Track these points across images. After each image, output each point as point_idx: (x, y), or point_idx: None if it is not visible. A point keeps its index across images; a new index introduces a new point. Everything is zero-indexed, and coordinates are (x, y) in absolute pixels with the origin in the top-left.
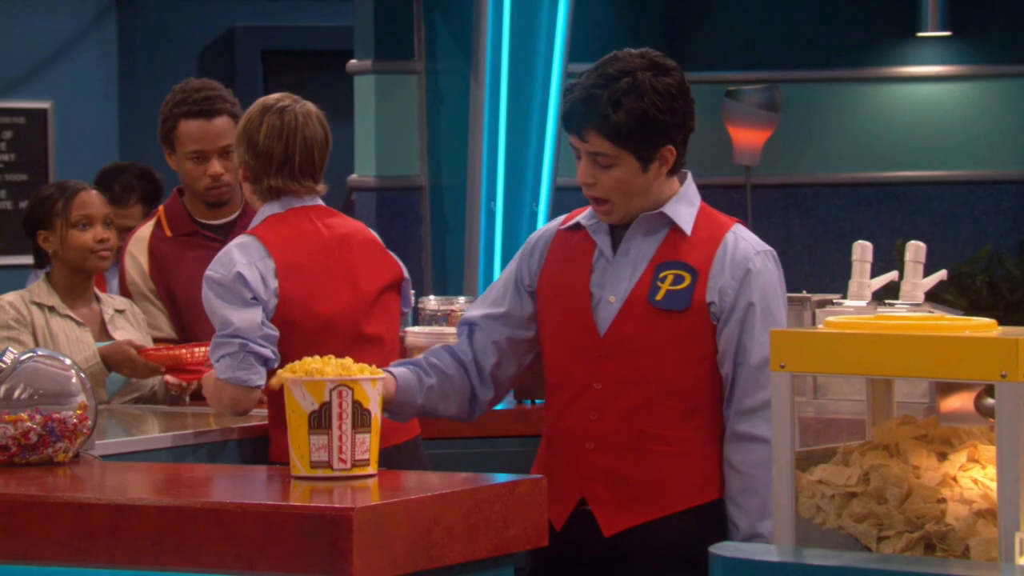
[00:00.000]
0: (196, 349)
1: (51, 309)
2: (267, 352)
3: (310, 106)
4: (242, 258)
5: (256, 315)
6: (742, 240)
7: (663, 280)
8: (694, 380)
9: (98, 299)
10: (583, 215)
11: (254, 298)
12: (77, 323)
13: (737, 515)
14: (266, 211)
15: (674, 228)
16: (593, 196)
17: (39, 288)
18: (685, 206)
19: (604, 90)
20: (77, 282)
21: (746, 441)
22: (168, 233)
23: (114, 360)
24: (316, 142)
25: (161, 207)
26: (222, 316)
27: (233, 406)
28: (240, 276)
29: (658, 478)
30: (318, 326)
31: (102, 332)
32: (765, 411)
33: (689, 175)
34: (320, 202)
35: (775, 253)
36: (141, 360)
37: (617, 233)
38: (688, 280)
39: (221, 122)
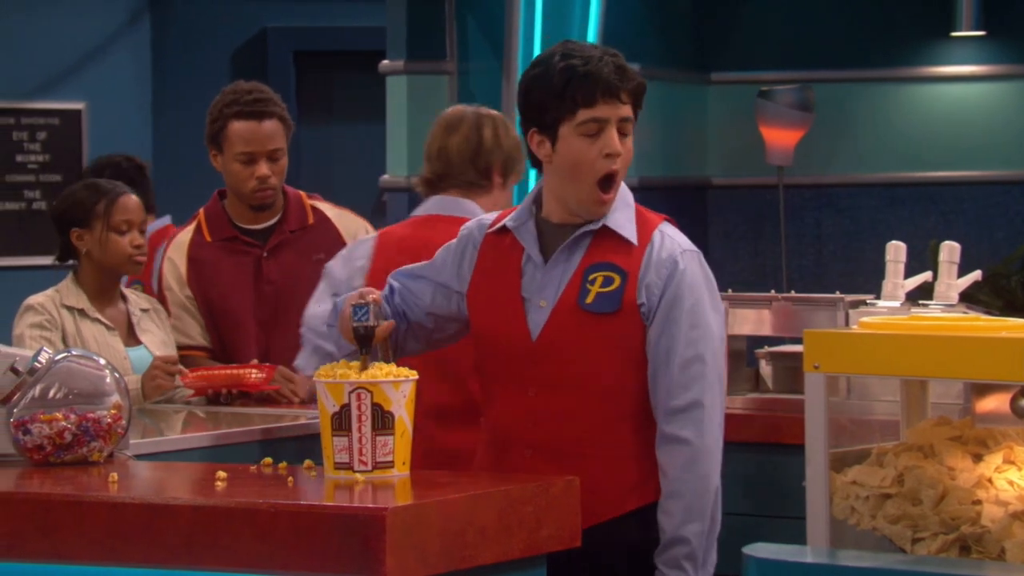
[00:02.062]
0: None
1: (81, 312)
2: (321, 344)
3: (470, 112)
4: (345, 252)
5: (326, 309)
6: (668, 238)
7: (592, 283)
8: (628, 383)
9: (124, 298)
10: (509, 217)
11: (336, 295)
12: (107, 327)
13: (662, 518)
14: (418, 210)
15: (603, 229)
16: (617, 169)
17: (67, 289)
18: (623, 210)
19: (617, 58)
20: (107, 282)
21: (672, 443)
22: (208, 238)
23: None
24: (460, 142)
25: (201, 210)
26: None
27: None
28: (328, 271)
29: (596, 482)
30: None
31: (129, 334)
32: (692, 412)
33: None
34: (468, 205)
35: (700, 254)
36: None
37: (544, 236)
38: (618, 281)
39: (270, 125)
